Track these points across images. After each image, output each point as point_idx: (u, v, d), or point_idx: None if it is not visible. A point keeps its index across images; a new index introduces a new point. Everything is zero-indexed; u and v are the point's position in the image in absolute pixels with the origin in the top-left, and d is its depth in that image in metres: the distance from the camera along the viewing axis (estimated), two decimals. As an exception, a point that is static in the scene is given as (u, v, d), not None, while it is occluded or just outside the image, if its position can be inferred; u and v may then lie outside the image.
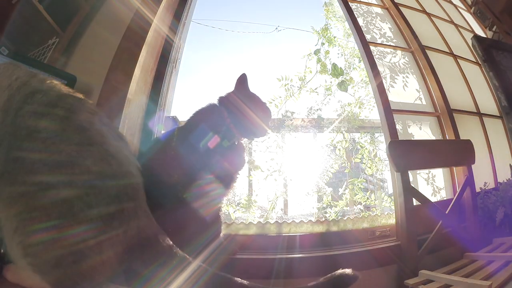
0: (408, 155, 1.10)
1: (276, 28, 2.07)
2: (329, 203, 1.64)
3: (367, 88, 1.82)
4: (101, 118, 0.52)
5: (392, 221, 1.23)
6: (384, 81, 1.40)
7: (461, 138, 1.40)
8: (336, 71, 1.83)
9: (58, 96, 0.50)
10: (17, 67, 0.53)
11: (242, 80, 0.84)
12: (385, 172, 1.79)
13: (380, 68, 1.42)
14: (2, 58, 0.80)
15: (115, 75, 1.06)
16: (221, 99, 0.82)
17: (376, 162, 1.76)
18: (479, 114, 1.66)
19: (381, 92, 1.33)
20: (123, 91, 1.03)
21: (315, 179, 1.69)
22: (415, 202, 1.06)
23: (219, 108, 0.79)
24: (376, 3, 1.82)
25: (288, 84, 1.80)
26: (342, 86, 1.83)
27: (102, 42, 1.16)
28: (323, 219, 1.25)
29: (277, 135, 1.71)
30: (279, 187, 1.62)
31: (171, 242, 0.54)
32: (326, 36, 1.89)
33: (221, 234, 0.79)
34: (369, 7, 1.76)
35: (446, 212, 1.09)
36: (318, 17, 1.98)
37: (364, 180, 1.72)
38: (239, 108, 0.79)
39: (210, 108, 0.80)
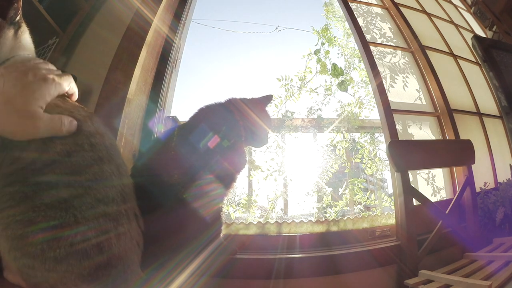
0: (408, 155, 1.10)
1: (276, 28, 2.07)
2: (329, 203, 1.64)
3: (367, 88, 1.82)
4: (96, 120, 0.52)
5: (392, 221, 1.23)
6: (384, 81, 1.40)
7: (461, 138, 1.40)
8: (336, 71, 1.83)
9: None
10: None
11: (268, 99, 0.88)
12: (385, 172, 1.79)
13: (380, 68, 1.42)
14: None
15: (115, 75, 1.06)
16: (232, 101, 0.82)
17: (376, 162, 1.76)
18: (479, 114, 1.66)
19: (381, 92, 1.33)
20: (123, 91, 1.03)
21: (315, 179, 1.69)
22: (415, 202, 1.06)
23: (229, 109, 0.80)
24: (376, 3, 1.82)
25: (288, 84, 1.80)
26: (342, 86, 1.83)
27: (102, 42, 1.16)
28: (323, 219, 1.25)
29: (277, 135, 1.71)
30: (279, 187, 1.62)
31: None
32: (326, 36, 1.89)
33: (221, 234, 0.79)
34: (369, 7, 1.76)
35: (446, 212, 1.09)
36: (318, 17, 1.98)
37: (364, 180, 1.72)
38: (250, 114, 0.81)
39: (217, 108, 0.81)
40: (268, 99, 0.89)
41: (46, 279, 0.41)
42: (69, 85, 0.46)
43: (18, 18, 0.51)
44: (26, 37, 0.54)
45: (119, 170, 0.50)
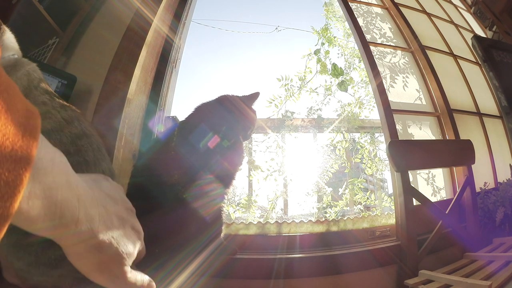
0: (408, 155, 1.10)
1: (276, 28, 2.08)
2: (329, 203, 1.64)
3: (367, 88, 1.82)
4: (82, 118, 0.51)
5: (392, 221, 1.23)
6: (384, 81, 1.40)
7: (461, 138, 1.40)
8: (336, 71, 1.83)
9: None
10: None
11: (255, 96, 0.89)
12: (385, 172, 1.80)
13: (380, 68, 1.42)
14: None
15: (115, 75, 1.06)
16: (230, 99, 0.83)
17: (376, 162, 1.76)
18: (479, 114, 1.66)
19: (381, 92, 1.33)
20: (123, 91, 1.03)
21: (315, 179, 1.69)
22: (415, 202, 1.06)
23: (228, 109, 0.80)
24: (376, 3, 1.82)
25: (288, 84, 1.80)
26: (342, 86, 1.83)
27: (102, 42, 1.16)
28: (323, 219, 1.25)
29: (277, 135, 1.71)
30: (279, 187, 1.62)
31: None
32: (326, 36, 1.90)
33: (222, 234, 0.79)
34: (369, 7, 1.76)
35: (446, 212, 1.09)
36: (318, 17, 1.99)
37: (364, 180, 1.72)
38: (247, 112, 0.82)
39: (217, 107, 0.81)
40: (255, 96, 0.90)
41: (41, 283, 0.41)
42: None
43: None
44: (7, 37, 0.53)
45: (105, 175, 0.49)
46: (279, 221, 1.24)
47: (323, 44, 1.89)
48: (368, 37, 1.52)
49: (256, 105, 0.91)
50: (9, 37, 0.54)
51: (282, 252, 1.06)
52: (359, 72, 1.87)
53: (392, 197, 1.39)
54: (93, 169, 0.47)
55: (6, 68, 0.48)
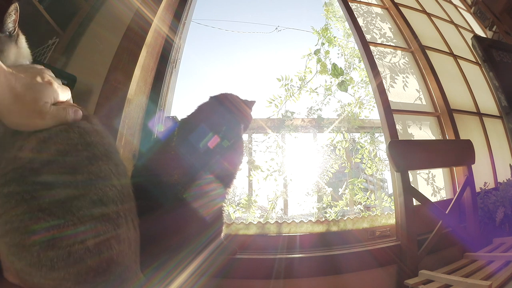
0: (408, 155, 1.10)
1: (276, 28, 2.08)
2: (329, 203, 1.64)
3: (367, 88, 1.82)
4: (94, 119, 0.53)
5: (392, 221, 1.23)
6: (384, 81, 1.40)
7: (461, 138, 1.40)
8: (336, 71, 1.83)
9: None
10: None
11: (252, 103, 0.91)
12: (385, 172, 1.80)
13: (380, 68, 1.42)
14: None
15: (115, 75, 1.06)
16: (229, 97, 0.83)
17: (376, 162, 1.76)
18: (479, 114, 1.66)
19: (381, 92, 1.33)
20: (123, 91, 1.03)
21: (315, 179, 1.69)
22: (415, 202, 1.06)
23: (229, 109, 0.80)
24: (376, 3, 1.82)
25: (288, 84, 1.80)
26: (342, 86, 1.83)
27: (102, 42, 1.16)
28: (323, 219, 1.25)
29: (277, 135, 1.71)
30: (279, 187, 1.62)
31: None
32: (326, 36, 1.90)
33: (222, 234, 0.79)
34: (369, 7, 1.76)
35: (446, 212, 1.09)
36: (318, 17, 1.99)
37: (364, 180, 1.72)
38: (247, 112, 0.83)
39: (217, 107, 0.81)
40: (252, 103, 0.92)
41: (42, 285, 0.41)
42: (67, 97, 0.51)
43: (16, 29, 0.52)
44: (23, 43, 0.55)
45: (117, 170, 0.49)
46: (279, 221, 1.24)
47: (323, 44, 1.89)
48: (368, 37, 1.52)
49: (253, 110, 0.93)
50: (24, 43, 0.55)
51: (282, 252, 1.06)
52: (359, 72, 1.88)
53: (392, 197, 1.39)
54: (105, 163, 0.48)
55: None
